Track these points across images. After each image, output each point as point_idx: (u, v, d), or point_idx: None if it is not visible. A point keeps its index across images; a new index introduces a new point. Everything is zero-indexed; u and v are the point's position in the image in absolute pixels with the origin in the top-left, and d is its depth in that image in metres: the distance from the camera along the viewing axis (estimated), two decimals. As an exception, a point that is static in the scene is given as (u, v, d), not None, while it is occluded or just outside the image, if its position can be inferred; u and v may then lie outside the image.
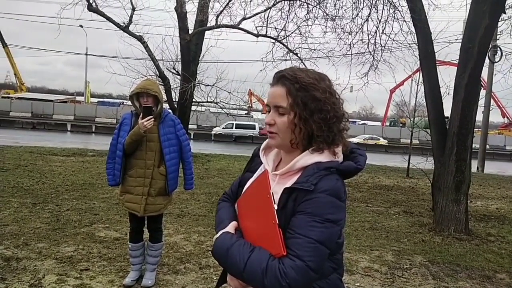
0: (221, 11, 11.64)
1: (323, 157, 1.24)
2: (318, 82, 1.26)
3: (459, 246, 5.51)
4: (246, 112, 40.10)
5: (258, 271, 1.12)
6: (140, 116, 3.33)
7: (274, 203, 1.19)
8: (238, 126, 33.63)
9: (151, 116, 3.30)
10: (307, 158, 1.25)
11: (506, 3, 6.25)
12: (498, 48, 12.54)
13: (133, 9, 11.07)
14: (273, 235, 1.15)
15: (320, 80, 1.28)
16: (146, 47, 11.53)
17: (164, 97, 12.08)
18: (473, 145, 6.60)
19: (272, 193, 1.21)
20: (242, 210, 1.33)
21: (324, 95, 1.24)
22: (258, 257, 1.14)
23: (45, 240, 4.59)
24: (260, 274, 1.12)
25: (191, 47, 12.17)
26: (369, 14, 8.32)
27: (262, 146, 1.42)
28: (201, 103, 13.81)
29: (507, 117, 47.26)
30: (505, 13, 6.40)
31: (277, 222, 1.16)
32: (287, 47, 11.27)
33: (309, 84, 1.24)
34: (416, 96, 13.12)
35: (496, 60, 12.57)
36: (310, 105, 1.22)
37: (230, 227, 1.29)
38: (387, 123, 53.06)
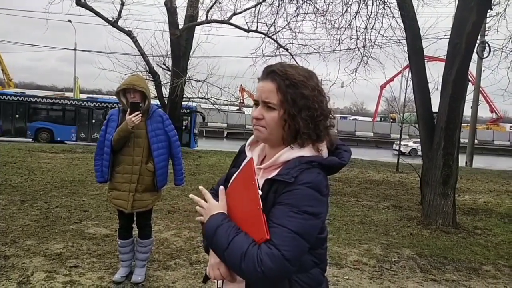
0: (211, 6, 11.60)
1: (306, 152, 1.26)
2: (308, 80, 1.26)
3: (447, 239, 5.59)
4: (237, 108, 39.97)
5: (237, 254, 1.15)
6: (128, 112, 3.30)
7: (259, 189, 1.21)
8: None
9: (139, 112, 3.27)
10: (290, 153, 1.27)
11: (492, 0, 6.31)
12: (487, 44, 12.70)
13: (122, 4, 10.97)
14: (257, 220, 1.17)
15: (310, 78, 1.28)
16: (136, 42, 11.44)
17: (154, 93, 12.03)
18: (462, 140, 6.68)
19: (258, 179, 1.23)
20: (229, 200, 1.34)
21: (313, 93, 1.25)
22: (240, 240, 1.17)
23: (34, 237, 4.56)
24: (239, 257, 1.14)
25: (181, 42, 12.11)
26: (358, 9, 8.34)
27: (248, 142, 1.43)
28: (192, 99, 13.78)
29: (496, 112, 47.82)
30: (491, 9, 6.46)
31: (261, 207, 1.18)
32: (277, 43, 11.26)
33: (299, 81, 1.25)
34: (406, 92, 13.27)
35: (485, 56, 12.72)
36: (298, 102, 1.23)
37: (222, 208, 1.29)
38: (378, 119, 53.34)
